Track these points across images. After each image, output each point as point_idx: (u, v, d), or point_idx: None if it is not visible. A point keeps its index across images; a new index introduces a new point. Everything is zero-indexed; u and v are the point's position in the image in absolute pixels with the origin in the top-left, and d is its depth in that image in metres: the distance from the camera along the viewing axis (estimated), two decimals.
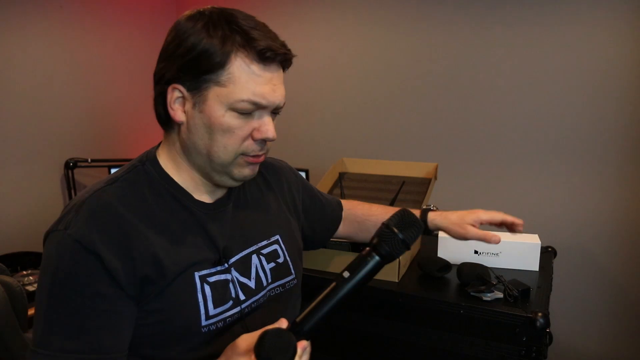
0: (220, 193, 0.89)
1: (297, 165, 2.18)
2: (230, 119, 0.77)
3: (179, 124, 0.81)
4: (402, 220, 0.74)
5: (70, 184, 2.24)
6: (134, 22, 2.56)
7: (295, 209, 1.06)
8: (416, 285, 1.30)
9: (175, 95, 0.78)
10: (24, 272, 1.99)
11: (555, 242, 1.72)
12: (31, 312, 1.73)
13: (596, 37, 1.80)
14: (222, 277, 0.84)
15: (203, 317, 0.79)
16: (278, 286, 0.93)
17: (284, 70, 0.85)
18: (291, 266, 0.96)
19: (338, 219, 1.17)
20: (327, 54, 2.34)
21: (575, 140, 1.89)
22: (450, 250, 1.42)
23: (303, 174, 2.16)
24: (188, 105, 0.78)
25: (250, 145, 0.80)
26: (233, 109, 0.76)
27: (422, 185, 1.67)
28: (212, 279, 0.82)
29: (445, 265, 1.34)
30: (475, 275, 1.24)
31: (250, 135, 0.80)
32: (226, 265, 0.84)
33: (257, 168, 0.85)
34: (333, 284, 0.71)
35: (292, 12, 2.40)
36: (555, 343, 1.48)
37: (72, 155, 2.26)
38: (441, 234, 1.45)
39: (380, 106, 2.25)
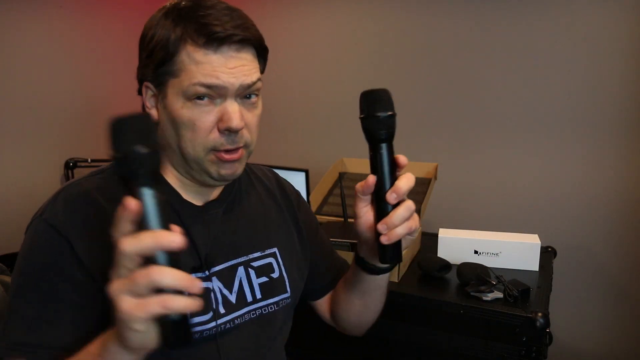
0: (211, 195, 0.83)
1: (297, 165, 2.18)
2: (188, 110, 0.71)
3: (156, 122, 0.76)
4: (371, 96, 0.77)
5: None
6: (134, 22, 2.55)
7: (299, 228, 0.96)
8: (416, 285, 1.30)
9: (149, 93, 0.76)
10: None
11: (555, 242, 1.72)
12: None
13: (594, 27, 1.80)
14: (203, 284, 0.77)
15: None
16: (272, 304, 0.85)
17: (259, 54, 0.77)
18: (287, 283, 0.88)
19: (338, 275, 0.99)
20: (327, 54, 2.34)
21: (576, 140, 1.89)
22: (450, 250, 1.42)
23: (303, 174, 2.16)
24: (158, 102, 0.75)
25: (217, 138, 0.72)
26: (188, 97, 0.71)
27: (422, 185, 1.67)
28: None
29: (445, 265, 1.34)
30: (475, 275, 1.24)
31: (217, 127, 0.72)
32: (207, 272, 0.78)
33: (236, 166, 0.76)
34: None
35: (292, 11, 2.40)
36: (555, 343, 1.48)
37: (72, 155, 2.26)
38: (441, 234, 1.45)
39: None
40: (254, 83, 0.74)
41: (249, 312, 0.82)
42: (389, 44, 2.19)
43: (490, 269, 1.29)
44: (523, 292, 1.19)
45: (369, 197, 0.78)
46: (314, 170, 2.18)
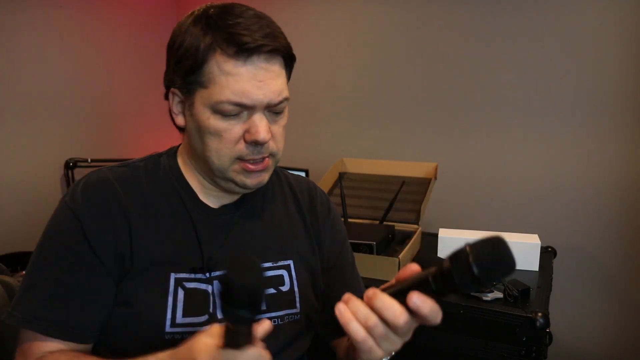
0: (227, 200, 0.83)
1: (297, 165, 2.19)
2: (216, 122, 0.71)
3: (179, 127, 0.79)
4: (492, 250, 0.52)
5: (70, 184, 2.24)
6: (134, 22, 2.56)
7: (320, 247, 0.90)
8: None
9: (176, 100, 0.76)
10: (24, 272, 1.99)
11: (555, 242, 1.72)
12: None
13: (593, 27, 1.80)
14: (202, 286, 0.76)
15: (168, 322, 0.73)
16: (275, 318, 0.80)
17: (286, 64, 0.77)
18: (297, 298, 0.82)
19: None
20: (327, 54, 2.34)
21: (576, 140, 1.89)
22: (450, 250, 1.42)
23: (303, 174, 2.16)
24: (185, 109, 0.75)
25: (243, 149, 0.73)
26: (216, 111, 0.71)
27: (422, 185, 1.67)
28: (189, 285, 0.75)
29: None
30: None
31: (243, 138, 0.73)
32: (208, 275, 0.77)
33: (262, 175, 0.77)
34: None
35: (292, 10, 2.40)
36: (555, 343, 1.48)
37: (72, 155, 2.26)
38: (441, 234, 1.45)
39: (381, 106, 2.25)
40: (282, 101, 0.76)
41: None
42: (389, 43, 2.19)
43: None
44: (523, 292, 1.19)
45: None
46: (314, 170, 2.18)
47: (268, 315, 0.80)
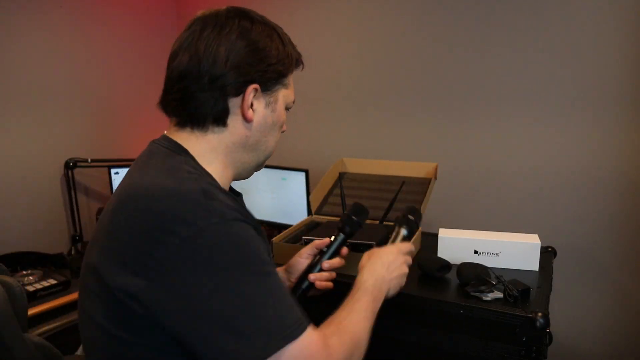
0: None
1: (297, 165, 2.19)
2: (285, 117, 0.91)
3: (248, 123, 0.84)
4: (356, 209, 1.10)
5: (70, 184, 2.24)
6: (133, 22, 2.56)
7: None
8: (416, 285, 1.30)
9: (252, 95, 0.83)
10: (24, 272, 1.99)
11: (555, 242, 1.72)
12: (31, 312, 1.74)
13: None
14: None
15: None
16: None
17: None
18: None
19: None
20: (327, 53, 2.34)
21: (576, 140, 1.89)
22: (450, 250, 1.42)
23: (303, 174, 2.16)
24: (259, 105, 0.84)
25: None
26: (288, 108, 0.91)
27: (422, 185, 1.67)
28: None
29: (445, 265, 1.34)
30: (475, 275, 1.24)
31: None
32: None
33: None
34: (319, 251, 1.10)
35: (291, 10, 2.40)
36: (555, 343, 1.48)
37: (72, 155, 2.27)
38: (441, 234, 1.45)
39: (381, 106, 2.25)
40: None
41: None
42: (389, 43, 2.19)
43: (490, 269, 1.29)
44: (523, 292, 1.19)
45: (314, 252, 1.10)
46: (314, 170, 2.18)
47: None
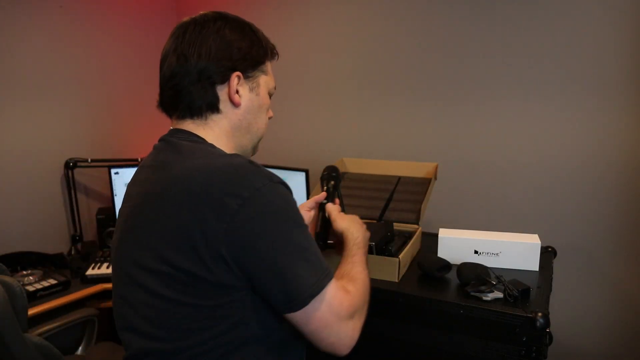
0: None
1: (297, 165, 2.19)
2: (269, 101, 1.01)
3: (236, 107, 0.94)
4: (330, 168, 1.31)
5: (70, 184, 2.24)
6: (133, 21, 2.56)
7: None
8: (416, 285, 1.30)
9: (236, 81, 0.93)
10: (24, 272, 1.99)
11: (555, 242, 1.72)
12: (31, 312, 1.74)
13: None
14: None
15: None
16: None
17: None
18: None
19: None
20: (326, 53, 2.34)
21: (576, 140, 1.89)
22: (450, 250, 1.42)
23: (303, 174, 2.16)
24: (244, 90, 0.95)
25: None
26: (270, 93, 1.01)
27: (422, 185, 1.67)
28: None
29: (445, 265, 1.34)
30: (475, 275, 1.24)
31: None
32: None
33: None
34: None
35: (291, 11, 2.40)
36: (555, 343, 1.48)
37: (72, 155, 2.27)
38: (441, 234, 1.45)
39: (380, 106, 2.25)
40: None
41: None
42: (389, 43, 2.19)
43: (490, 269, 1.29)
44: (523, 292, 1.19)
45: (314, 205, 1.20)
46: (314, 170, 2.18)
47: None
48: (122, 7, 2.50)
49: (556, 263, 1.57)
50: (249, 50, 0.94)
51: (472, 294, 1.20)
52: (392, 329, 1.25)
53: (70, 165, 2.23)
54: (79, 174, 2.32)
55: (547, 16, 1.86)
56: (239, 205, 0.78)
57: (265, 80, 0.99)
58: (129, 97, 2.54)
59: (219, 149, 0.92)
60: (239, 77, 0.93)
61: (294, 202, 0.86)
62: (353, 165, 1.84)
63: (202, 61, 0.90)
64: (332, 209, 1.14)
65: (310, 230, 1.14)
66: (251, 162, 0.85)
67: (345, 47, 2.30)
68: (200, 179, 0.81)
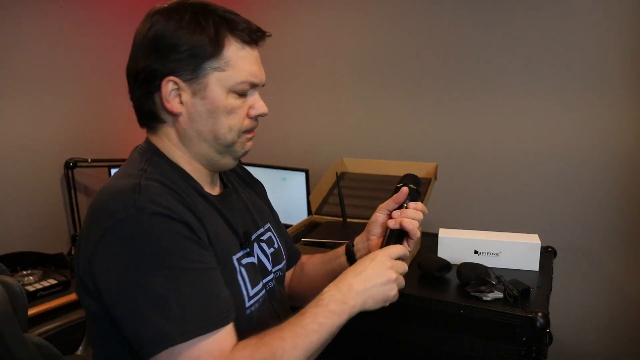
0: (218, 186, 0.96)
1: (297, 165, 2.19)
2: (232, 100, 0.83)
3: (176, 116, 0.84)
4: (412, 178, 1.02)
5: (70, 184, 2.24)
6: (134, 22, 2.55)
7: (271, 209, 1.14)
8: (416, 285, 1.30)
9: (170, 87, 0.81)
10: (24, 272, 1.99)
11: (555, 242, 1.72)
12: (31, 312, 1.74)
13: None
14: (250, 259, 0.90)
15: (246, 298, 0.85)
16: (278, 270, 1.01)
17: None
18: (283, 252, 1.05)
19: (294, 257, 1.17)
20: (326, 53, 2.34)
21: (575, 143, 1.89)
22: (450, 250, 1.42)
23: (303, 174, 2.16)
24: (186, 96, 0.82)
25: (249, 123, 0.87)
26: (233, 90, 0.83)
27: (422, 185, 1.67)
28: (244, 261, 0.88)
29: (445, 265, 1.34)
30: (475, 275, 1.24)
31: (247, 113, 0.86)
32: (248, 249, 0.90)
33: (252, 142, 0.92)
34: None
35: (292, 11, 2.40)
36: (555, 343, 1.48)
37: (72, 155, 2.27)
38: (441, 234, 1.45)
39: (380, 106, 2.25)
40: None
41: (271, 279, 0.97)
42: (389, 44, 2.19)
43: (490, 269, 1.29)
44: (523, 292, 1.19)
45: (394, 207, 0.98)
46: (314, 170, 2.18)
47: (276, 268, 0.99)
48: (122, 7, 2.50)
49: (556, 263, 1.57)
50: (186, 48, 0.79)
51: (472, 294, 1.20)
52: (392, 329, 1.25)
53: (70, 165, 2.23)
54: (79, 174, 2.31)
55: (546, 13, 1.85)
56: (100, 236, 0.72)
57: (219, 78, 0.81)
58: (129, 97, 2.54)
59: (144, 165, 0.82)
60: (174, 82, 0.81)
61: (170, 239, 0.72)
62: (353, 165, 1.84)
63: (139, 66, 0.82)
64: (411, 228, 0.92)
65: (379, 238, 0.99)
66: (135, 187, 0.74)
67: (345, 47, 2.30)
68: (91, 201, 0.78)
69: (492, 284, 1.21)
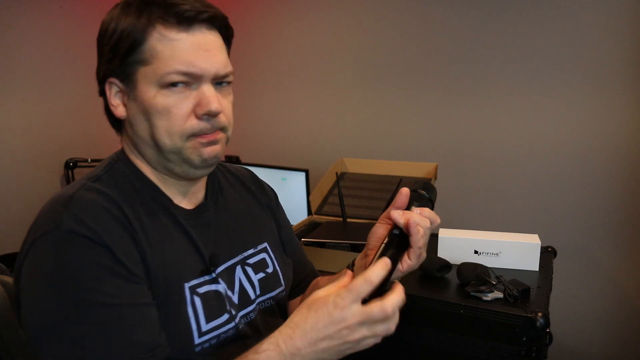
0: (198, 198, 0.83)
1: (297, 165, 2.19)
2: (164, 98, 0.69)
3: (124, 121, 0.76)
4: (425, 184, 0.85)
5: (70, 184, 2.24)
6: None
7: (278, 225, 0.98)
8: (416, 285, 1.30)
9: (114, 90, 0.73)
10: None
11: (555, 242, 1.72)
12: None
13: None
14: (213, 287, 0.76)
15: (195, 334, 0.71)
16: (269, 299, 0.86)
17: (224, 38, 0.76)
18: (281, 276, 0.89)
19: (307, 280, 1.00)
20: (326, 54, 2.34)
21: (575, 142, 1.89)
22: (450, 250, 1.42)
23: (303, 174, 2.16)
24: (125, 98, 0.73)
25: (195, 125, 0.71)
26: (163, 85, 0.69)
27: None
28: (202, 290, 0.74)
29: (445, 265, 1.34)
30: (475, 275, 1.24)
31: (193, 113, 0.71)
32: (214, 274, 0.77)
33: (217, 148, 0.75)
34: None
35: (292, 11, 2.40)
36: (555, 343, 1.48)
37: (72, 155, 2.27)
38: (441, 234, 1.45)
39: (380, 106, 2.25)
40: (229, 74, 0.75)
41: (252, 310, 0.82)
42: (389, 44, 2.19)
43: (490, 269, 1.29)
44: (523, 292, 1.19)
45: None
46: (314, 170, 2.18)
47: (263, 297, 0.85)
48: None
49: (556, 263, 1.57)
50: (115, 42, 0.70)
51: (472, 294, 1.20)
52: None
53: (70, 165, 2.23)
54: (79, 174, 2.32)
55: (547, 13, 1.85)
56: (27, 249, 0.67)
57: (146, 74, 0.69)
58: None
59: (100, 172, 0.76)
60: (114, 83, 0.73)
61: (83, 266, 0.63)
62: (353, 165, 1.84)
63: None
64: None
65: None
66: (66, 200, 0.68)
67: (345, 47, 2.30)
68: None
69: (492, 284, 1.21)
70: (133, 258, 0.67)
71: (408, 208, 0.78)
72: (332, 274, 1.37)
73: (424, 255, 0.76)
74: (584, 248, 1.92)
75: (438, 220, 0.77)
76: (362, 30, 2.25)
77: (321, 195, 1.74)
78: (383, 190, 1.69)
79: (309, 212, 1.89)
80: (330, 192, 1.78)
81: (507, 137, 2.00)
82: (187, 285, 0.72)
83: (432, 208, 0.81)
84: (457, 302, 1.18)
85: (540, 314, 1.09)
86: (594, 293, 1.93)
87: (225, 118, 0.74)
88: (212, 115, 0.71)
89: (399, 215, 0.73)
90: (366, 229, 1.47)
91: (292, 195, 2.21)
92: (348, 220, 1.61)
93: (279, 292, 0.88)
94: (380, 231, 0.80)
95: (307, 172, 2.14)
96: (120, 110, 0.74)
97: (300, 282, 0.99)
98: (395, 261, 0.69)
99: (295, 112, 2.44)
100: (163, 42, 0.68)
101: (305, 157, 2.43)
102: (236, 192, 0.92)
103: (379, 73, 2.23)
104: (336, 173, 1.76)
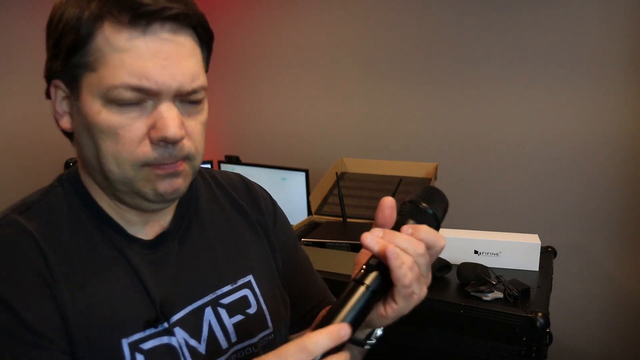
0: (162, 225, 0.66)
1: (297, 165, 2.19)
2: (110, 116, 0.54)
3: (71, 134, 0.61)
4: (430, 194, 0.61)
5: None
6: None
7: (273, 248, 0.77)
8: None
9: (60, 95, 0.59)
10: None
11: (555, 242, 1.72)
12: None
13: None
14: (164, 341, 0.60)
15: None
16: (249, 346, 0.68)
17: (201, 40, 0.59)
18: (267, 316, 0.71)
19: (315, 311, 0.76)
20: (326, 54, 2.34)
21: (575, 141, 1.89)
22: (450, 250, 1.42)
23: (303, 174, 2.16)
24: (71, 107, 0.59)
25: (149, 152, 0.55)
26: (110, 100, 0.54)
27: (422, 185, 1.67)
28: (147, 346, 0.58)
29: (445, 265, 1.34)
30: (475, 275, 1.24)
31: (148, 137, 0.55)
32: (166, 325, 0.60)
33: (177, 182, 0.59)
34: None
35: (292, 11, 2.40)
36: (555, 343, 1.48)
37: (72, 155, 2.27)
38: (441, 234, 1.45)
39: (380, 106, 2.25)
40: (198, 89, 0.57)
41: (228, 358, 0.66)
42: (389, 44, 2.19)
43: (490, 269, 1.29)
44: (523, 292, 1.19)
45: None
46: (314, 170, 2.18)
47: (241, 345, 0.68)
48: None
49: (556, 263, 1.57)
50: (59, 34, 0.56)
51: (472, 294, 1.20)
52: (391, 329, 1.25)
53: (70, 165, 2.23)
54: None
55: (546, 10, 1.85)
56: None
57: (91, 82, 0.54)
58: None
59: (36, 196, 0.66)
60: (59, 87, 0.59)
61: None
62: (353, 165, 1.84)
63: None
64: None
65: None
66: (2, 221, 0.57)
67: (345, 47, 2.30)
68: None
69: (492, 284, 1.21)
70: (43, 314, 0.54)
71: (400, 225, 0.57)
72: (332, 274, 1.37)
73: (420, 293, 0.59)
74: (584, 248, 1.92)
75: (441, 242, 0.58)
76: (363, 30, 2.25)
77: (321, 195, 1.74)
78: (383, 190, 1.69)
79: (309, 212, 1.89)
80: (330, 192, 1.78)
81: (507, 137, 2.00)
82: (125, 342, 0.57)
83: (437, 227, 0.60)
84: (457, 302, 1.18)
85: (540, 314, 1.09)
86: (594, 293, 1.93)
87: (191, 144, 0.58)
88: (169, 142, 0.55)
89: (371, 239, 0.52)
90: (366, 229, 1.47)
91: (292, 195, 2.21)
92: (348, 220, 1.62)
93: (265, 336, 0.70)
94: (361, 259, 0.59)
95: (307, 172, 2.13)
96: (65, 122, 0.60)
97: (306, 314, 0.79)
98: (361, 317, 0.52)
99: (295, 112, 2.44)
100: (112, 46, 0.53)
101: (305, 157, 2.43)
102: (221, 212, 0.74)
103: (379, 73, 2.23)
104: (336, 173, 1.76)
